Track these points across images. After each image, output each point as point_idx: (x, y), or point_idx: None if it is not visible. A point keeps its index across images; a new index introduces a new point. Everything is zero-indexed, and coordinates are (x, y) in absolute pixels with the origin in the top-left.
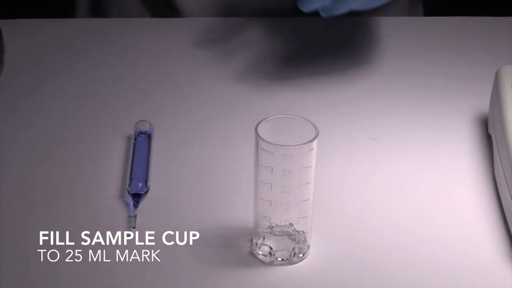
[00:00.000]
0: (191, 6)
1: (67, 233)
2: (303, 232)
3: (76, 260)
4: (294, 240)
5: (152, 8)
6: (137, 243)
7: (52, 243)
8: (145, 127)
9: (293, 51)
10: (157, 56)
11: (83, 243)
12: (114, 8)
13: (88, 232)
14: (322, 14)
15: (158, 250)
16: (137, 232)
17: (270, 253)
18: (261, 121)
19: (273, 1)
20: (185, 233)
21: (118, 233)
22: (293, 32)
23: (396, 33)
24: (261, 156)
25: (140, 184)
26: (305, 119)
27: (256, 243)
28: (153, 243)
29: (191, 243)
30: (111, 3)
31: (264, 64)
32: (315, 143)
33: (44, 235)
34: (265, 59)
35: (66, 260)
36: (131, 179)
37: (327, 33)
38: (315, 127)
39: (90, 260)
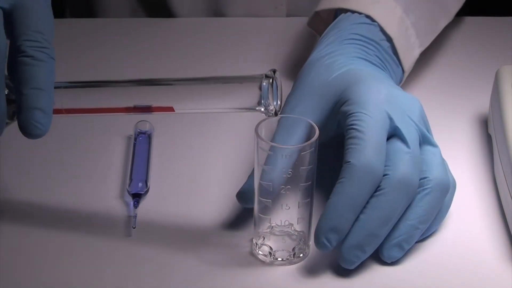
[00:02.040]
0: (184, 7)
1: (67, 233)
2: (303, 232)
3: (75, 260)
4: (294, 240)
5: (145, 9)
6: (137, 243)
7: (51, 243)
8: (145, 127)
9: (290, 51)
10: (155, 55)
11: (82, 243)
12: (102, 9)
13: (88, 232)
14: None
15: (158, 250)
16: (137, 232)
17: (270, 253)
18: (261, 121)
19: (265, 2)
20: (185, 232)
21: (118, 233)
22: (289, 32)
23: None
24: (261, 156)
25: (140, 184)
26: (305, 119)
27: (256, 243)
28: (153, 243)
29: (191, 243)
30: (100, 4)
31: (263, 64)
32: (315, 143)
33: (43, 234)
34: (264, 58)
35: (66, 260)
36: (131, 179)
37: None
38: (315, 127)
39: (89, 260)
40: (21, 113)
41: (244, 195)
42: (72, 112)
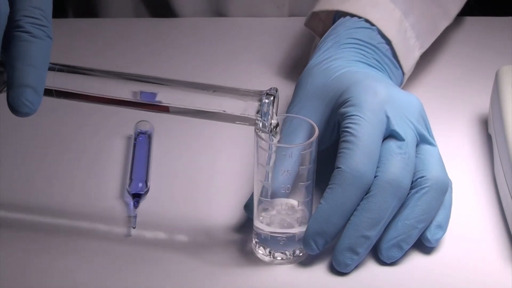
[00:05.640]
0: (187, 7)
1: (67, 233)
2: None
3: (75, 259)
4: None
5: (147, 9)
6: (137, 243)
7: (51, 242)
8: (145, 127)
9: (292, 51)
10: (158, 55)
11: (82, 243)
12: (105, 9)
13: (88, 232)
14: None
15: (158, 250)
16: (137, 232)
17: (270, 252)
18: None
19: (267, 2)
20: (185, 233)
21: (118, 233)
22: (291, 32)
23: None
24: (261, 156)
25: (140, 184)
26: (305, 119)
27: (255, 242)
28: (153, 243)
29: (191, 243)
30: (102, 4)
31: (264, 64)
32: (314, 142)
33: (43, 234)
34: (266, 58)
35: (66, 259)
36: (131, 179)
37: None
38: (315, 127)
39: (89, 260)
40: (11, 89)
41: (251, 207)
42: (62, 96)
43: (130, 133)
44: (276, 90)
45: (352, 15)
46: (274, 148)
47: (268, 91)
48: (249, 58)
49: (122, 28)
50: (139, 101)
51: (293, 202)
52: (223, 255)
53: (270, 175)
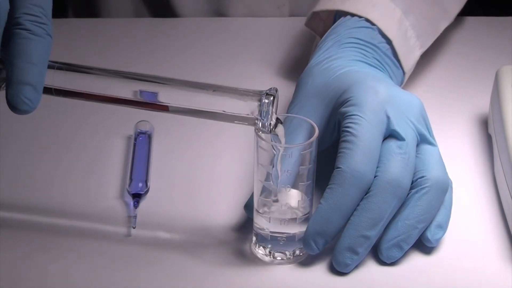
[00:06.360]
0: (187, 7)
1: (67, 232)
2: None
3: (75, 259)
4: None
5: (148, 9)
6: (137, 243)
7: (51, 242)
8: (145, 127)
9: (292, 51)
10: (158, 55)
11: (82, 243)
12: (105, 9)
13: (88, 232)
14: None
15: (158, 250)
16: (137, 232)
17: (270, 252)
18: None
19: (267, 2)
20: (185, 233)
21: (118, 233)
22: (291, 32)
23: None
24: (261, 156)
25: (140, 184)
26: (305, 118)
27: (255, 242)
28: (153, 243)
29: (190, 243)
30: (103, 4)
31: (264, 64)
32: (314, 142)
33: (43, 234)
34: (267, 58)
35: (65, 259)
36: (131, 179)
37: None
38: (315, 127)
39: (89, 260)
40: (10, 87)
41: (251, 207)
42: (61, 94)
43: (130, 133)
44: (276, 90)
45: (352, 15)
46: (281, 151)
47: (268, 91)
48: (249, 58)
49: (122, 28)
50: (138, 100)
51: (293, 202)
52: (223, 255)
53: (274, 176)
